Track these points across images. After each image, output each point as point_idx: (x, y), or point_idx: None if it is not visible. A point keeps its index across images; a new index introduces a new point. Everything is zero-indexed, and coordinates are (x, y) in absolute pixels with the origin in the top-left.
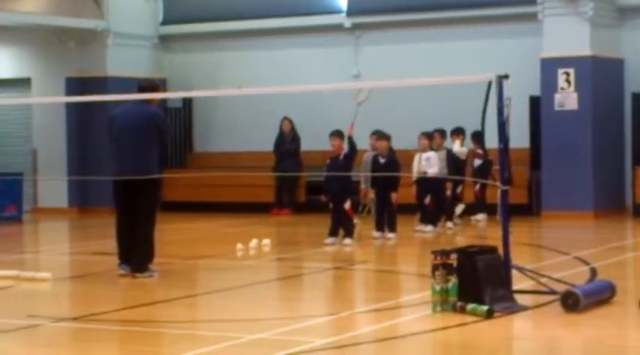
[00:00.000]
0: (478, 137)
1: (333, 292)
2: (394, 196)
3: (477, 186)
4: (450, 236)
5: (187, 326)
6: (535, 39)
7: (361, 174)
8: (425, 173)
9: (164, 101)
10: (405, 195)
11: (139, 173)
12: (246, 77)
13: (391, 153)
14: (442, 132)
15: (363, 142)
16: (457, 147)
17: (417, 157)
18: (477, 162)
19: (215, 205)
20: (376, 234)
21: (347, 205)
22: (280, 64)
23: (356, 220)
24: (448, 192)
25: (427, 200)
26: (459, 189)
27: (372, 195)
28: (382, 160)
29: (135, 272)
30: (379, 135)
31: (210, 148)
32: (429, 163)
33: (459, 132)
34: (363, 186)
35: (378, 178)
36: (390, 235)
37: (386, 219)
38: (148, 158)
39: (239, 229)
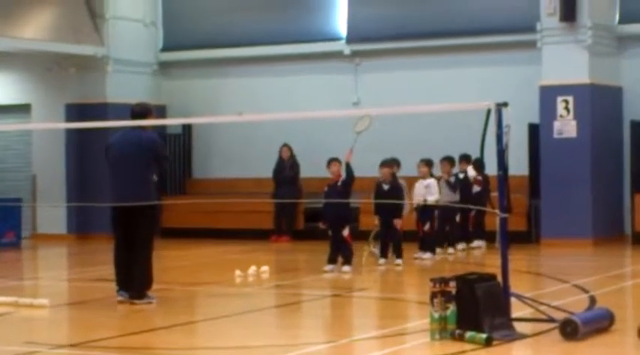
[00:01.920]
0: (478, 164)
1: (331, 319)
2: (398, 222)
3: (472, 213)
4: (449, 263)
5: (186, 354)
6: (534, 67)
7: (360, 201)
8: (425, 201)
9: (163, 127)
10: (405, 221)
11: (136, 199)
12: (246, 104)
13: (394, 180)
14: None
15: (362, 169)
16: (472, 171)
17: (417, 184)
18: (476, 188)
19: (214, 232)
20: (381, 260)
21: (345, 232)
22: (280, 91)
23: (369, 248)
24: (457, 219)
25: (426, 227)
26: (458, 217)
27: (376, 221)
28: (385, 187)
29: (133, 299)
30: (382, 162)
31: (210, 175)
32: (429, 190)
33: (469, 158)
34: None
35: (382, 205)
36: (398, 261)
37: (392, 246)
38: (146, 184)
39: (238, 256)
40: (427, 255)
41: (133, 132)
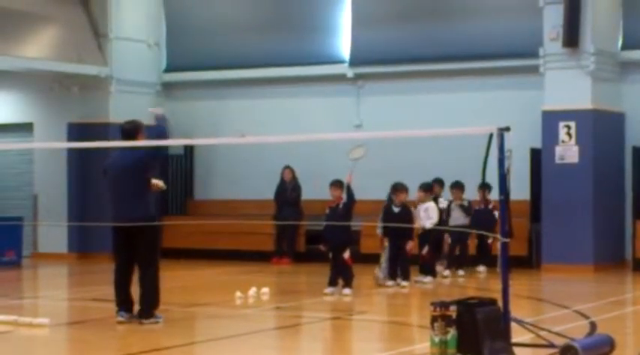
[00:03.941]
0: (486, 187)
1: (331, 342)
2: (410, 244)
3: (490, 240)
4: (449, 287)
5: None
6: (537, 92)
7: (363, 224)
8: (423, 227)
9: (165, 147)
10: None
11: (134, 220)
12: (249, 125)
13: (404, 203)
14: (441, 183)
15: (364, 192)
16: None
17: (417, 209)
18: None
19: (215, 253)
20: (389, 282)
21: (346, 255)
22: (282, 113)
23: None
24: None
25: (424, 251)
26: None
27: (386, 243)
28: (396, 209)
29: (141, 318)
30: (397, 186)
31: (211, 196)
32: (428, 214)
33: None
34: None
35: (392, 227)
36: (404, 283)
37: (399, 268)
38: (143, 204)
39: (238, 277)
40: (427, 279)
41: (127, 152)
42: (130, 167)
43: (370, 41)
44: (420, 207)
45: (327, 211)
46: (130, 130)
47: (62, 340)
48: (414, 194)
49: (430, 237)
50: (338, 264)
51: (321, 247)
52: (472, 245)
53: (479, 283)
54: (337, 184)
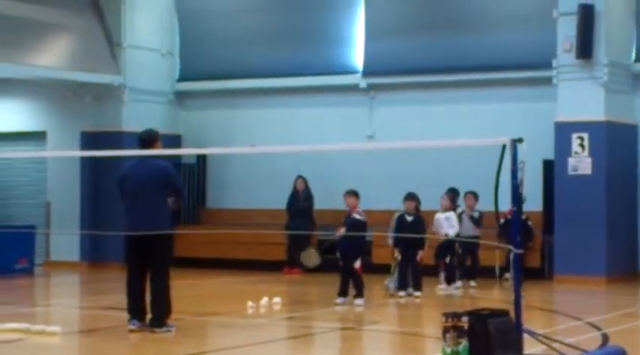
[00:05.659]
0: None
1: (342, 353)
2: (421, 254)
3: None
4: (461, 298)
5: None
6: (549, 103)
7: (376, 234)
8: (447, 235)
9: (178, 157)
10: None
11: (153, 228)
12: (261, 135)
13: (417, 212)
14: (455, 192)
15: (376, 202)
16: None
17: (437, 216)
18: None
19: (227, 262)
20: (401, 292)
21: (357, 264)
22: (295, 123)
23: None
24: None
25: (447, 260)
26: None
27: (396, 253)
28: (409, 218)
29: (153, 327)
30: (407, 195)
31: (224, 205)
32: (449, 223)
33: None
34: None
35: (405, 236)
36: (417, 293)
37: (411, 278)
38: (161, 213)
39: (250, 287)
40: (453, 286)
41: (148, 161)
42: (153, 176)
43: (383, 52)
44: (441, 216)
45: (345, 219)
46: (149, 139)
47: (74, 348)
48: (425, 204)
49: (453, 245)
50: (348, 273)
51: (338, 254)
52: (502, 255)
53: (491, 294)
54: (351, 193)
